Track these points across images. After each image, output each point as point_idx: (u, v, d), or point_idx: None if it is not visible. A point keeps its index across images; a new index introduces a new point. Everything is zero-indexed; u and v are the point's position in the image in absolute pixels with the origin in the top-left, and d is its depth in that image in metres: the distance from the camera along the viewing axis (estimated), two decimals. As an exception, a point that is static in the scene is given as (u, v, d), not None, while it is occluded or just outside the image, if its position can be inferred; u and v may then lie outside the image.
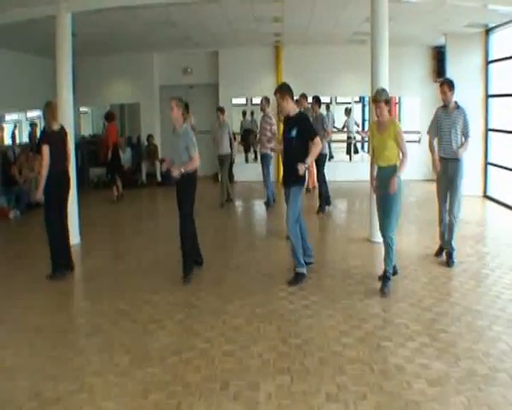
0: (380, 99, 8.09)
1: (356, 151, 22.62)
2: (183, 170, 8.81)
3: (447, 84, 9.40)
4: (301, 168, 8.38)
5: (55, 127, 9.36)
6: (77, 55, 12.38)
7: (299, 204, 8.86)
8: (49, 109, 9.36)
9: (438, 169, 9.58)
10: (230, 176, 16.05)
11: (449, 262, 9.55)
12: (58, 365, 6.13)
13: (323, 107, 19.30)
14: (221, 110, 15.83)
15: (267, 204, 15.38)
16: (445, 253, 9.76)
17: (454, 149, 9.37)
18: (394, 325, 7.05)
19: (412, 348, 6.32)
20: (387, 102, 8.16)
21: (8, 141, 18.74)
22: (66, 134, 9.67)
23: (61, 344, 6.68)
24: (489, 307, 7.60)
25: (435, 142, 9.72)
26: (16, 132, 19.52)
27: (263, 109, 15.09)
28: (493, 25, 15.40)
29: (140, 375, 5.84)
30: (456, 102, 9.45)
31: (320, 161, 14.14)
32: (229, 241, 11.93)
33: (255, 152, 21.35)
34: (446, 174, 9.50)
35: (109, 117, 17.31)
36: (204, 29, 15.95)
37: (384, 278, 8.30)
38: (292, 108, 8.88)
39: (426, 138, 10.10)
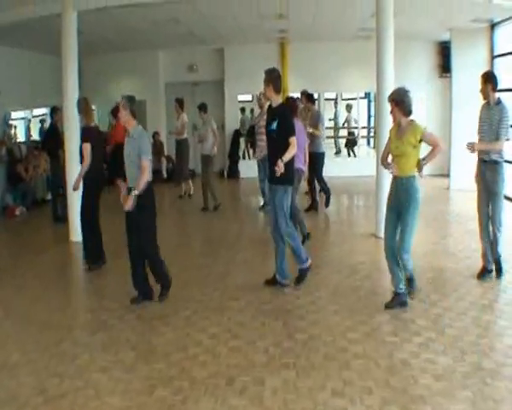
0: (389, 98, 7.46)
1: (354, 144, 22.65)
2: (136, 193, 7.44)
3: (482, 77, 8.31)
4: (279, 168, 7.71)
5: (92, 124, 9.67)
6: (83, 53, 12.40)
7: (287, 205, 8.27)
8: (86, 105, 9.63)
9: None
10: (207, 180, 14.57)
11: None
12: (63, 361, 6.14)
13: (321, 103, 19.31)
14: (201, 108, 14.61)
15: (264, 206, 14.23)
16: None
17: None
18: (400, 320, 7.04)
19: (418, 343, 6.32)
20: (396, 102, 7.32)
21: (22, 138, 18.78)
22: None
23: (66, 340, 6.69)
24: (495, 301, 7.62)
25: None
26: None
27: (261, 106, 13.59)
28: (498, 19, 15.37)
29: (145, 371, 5.85)
30: (498, 98, 8.23)
31: (317, 161, 13.59)
32: (234, 236, 11.92)
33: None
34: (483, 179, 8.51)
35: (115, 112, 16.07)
36: (209, 26, 15.96)
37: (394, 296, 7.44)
38: (274, 99, 8.30)
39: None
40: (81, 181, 9.42)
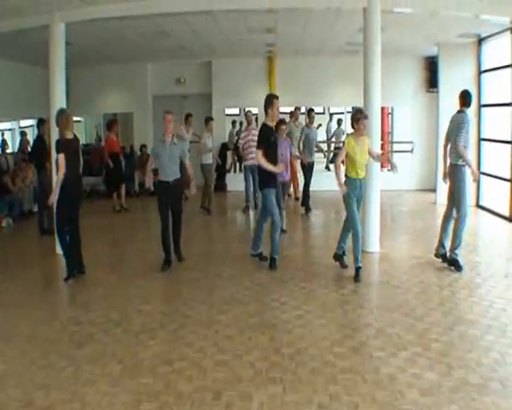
0: (363, 113, 9.42)
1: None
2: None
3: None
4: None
5: (69, 136, 9.56)
6: (70, 64, 12.38)
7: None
8: (62, 118, 9.49)
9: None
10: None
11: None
12: (50, 374, 6.10)
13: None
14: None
15: (247, 209, 16.11)
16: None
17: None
18: (387, 334, 7.04)
19: (405, 358, 6.32)
20: (366, 116, 9.37)
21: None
22: (79, 142, 10.01)
23: (53, 353, 6.65)
24: (481, 316, 7.62)
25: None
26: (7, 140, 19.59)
27: (249, 122, 15.63)
28: (485, 35, 15.48)
29: (132, 385, 5.82)
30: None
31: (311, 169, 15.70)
32: (222, 251, 11.89)
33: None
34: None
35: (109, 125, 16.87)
36: (197, 39, 15.97)
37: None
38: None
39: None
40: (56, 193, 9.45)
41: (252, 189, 15.89)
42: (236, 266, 10.41)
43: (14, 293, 9.09)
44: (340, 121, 23.74)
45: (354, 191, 9.38)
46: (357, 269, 9.35)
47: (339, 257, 10.12)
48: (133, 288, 9.20)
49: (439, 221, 10.70)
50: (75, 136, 9.80)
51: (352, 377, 5.91)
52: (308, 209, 15.68)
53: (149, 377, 5.98)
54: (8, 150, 19.70)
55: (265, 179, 9.97)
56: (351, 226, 9.55)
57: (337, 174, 9.52)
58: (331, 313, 7.85)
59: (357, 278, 9.26)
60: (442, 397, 5.40)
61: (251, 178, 15.59)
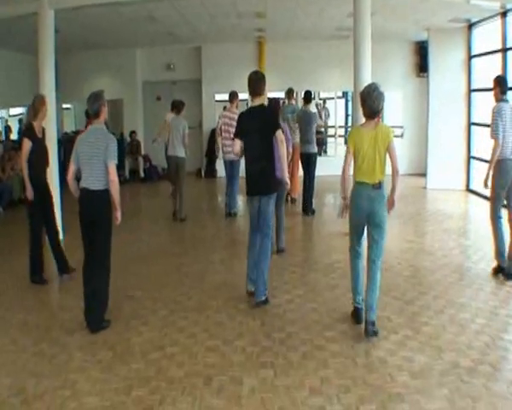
0: None
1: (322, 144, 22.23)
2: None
3: (493, 81, 8.64)
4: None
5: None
6: (59, 51, 12.29)
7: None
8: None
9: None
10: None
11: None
12: (41, 361, 6.09)
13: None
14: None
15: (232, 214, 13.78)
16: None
17: None
18: (377, 318, 7.03)
19: (395, 341, 6.35)
20: (361, 100, 6.74)
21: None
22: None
23: (44, 341, 6.64)
24: (472, 299, 7.65)
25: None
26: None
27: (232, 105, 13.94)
28: (476, 19, 15.47)
29: (123, 371, 5.82)
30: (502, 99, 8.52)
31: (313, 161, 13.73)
32: (212, 237, 11.88)
33: None
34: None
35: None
36: (186, 24, 15.91)
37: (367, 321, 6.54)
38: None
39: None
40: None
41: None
42: (225, 252, 10.42)
43: (4, 281, 9.06)
44: (318, 106, 23.32)
45: (359, 201, 7.05)
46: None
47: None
48: (123, 274, 9.17)
49: (430, 205, 10.80)
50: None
51: (343, 360, 5.94)
52: (311, 210, 13.58)
53: (141, 363, 5.99)
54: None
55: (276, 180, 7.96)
56: None
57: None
58: (321, 298, 7.87)
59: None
60: (433, 380, 5.43)
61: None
